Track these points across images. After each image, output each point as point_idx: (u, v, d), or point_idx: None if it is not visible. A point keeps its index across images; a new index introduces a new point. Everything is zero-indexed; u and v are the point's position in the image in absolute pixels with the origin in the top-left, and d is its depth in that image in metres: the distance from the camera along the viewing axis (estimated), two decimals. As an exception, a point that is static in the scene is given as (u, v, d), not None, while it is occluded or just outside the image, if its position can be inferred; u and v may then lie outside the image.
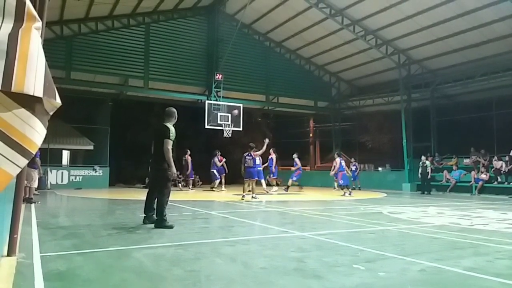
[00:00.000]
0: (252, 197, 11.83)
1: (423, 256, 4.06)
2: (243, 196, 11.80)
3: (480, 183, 15.89)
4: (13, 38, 1.67)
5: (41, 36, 1.98)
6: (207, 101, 18.85)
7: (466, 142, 17.98)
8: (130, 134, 22.31)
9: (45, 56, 2.74)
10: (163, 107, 24.03)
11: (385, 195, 15.09)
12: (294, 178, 16.43)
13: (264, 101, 22.12)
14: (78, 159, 21.32)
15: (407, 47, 18.51)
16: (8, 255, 3.81)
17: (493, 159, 16.28)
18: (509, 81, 16.66)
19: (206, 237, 5.25)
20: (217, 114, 18.54)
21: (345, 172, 14.91)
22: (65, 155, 20.77)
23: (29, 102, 1.71)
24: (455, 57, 17.71)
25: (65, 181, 17.81)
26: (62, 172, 17.98)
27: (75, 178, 18.12)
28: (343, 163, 14.78)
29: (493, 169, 16.05)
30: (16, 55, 1.65)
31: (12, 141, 1.71)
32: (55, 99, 1.83)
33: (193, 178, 17.68)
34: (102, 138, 19.58)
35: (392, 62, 19.27)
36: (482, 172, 16.23)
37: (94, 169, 18.58)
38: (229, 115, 18.86)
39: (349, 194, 14.13)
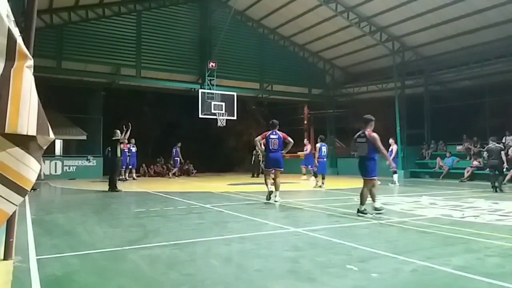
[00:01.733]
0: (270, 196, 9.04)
1: (415, 254, 4.13)
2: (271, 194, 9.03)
3: (471, 169, 16.05)
4: (5, 79, 1.67)
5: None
6: (200, 90, 18.76)
7: (459, 128, 18.13)
8: (123, 123, 22.26)
9: (35, 45, 2.71)
10: (156, 96, 24.08)
11: (379, 183, 15.07)
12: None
13: (258, 89, 22.06)
14: (71, 149, 21.22)
15: (401, 34, 18.46)
16: (5, 258, 3.83)
17: (485, 146, 16.42)
18: (502, 68, 16.76)
19: (201, 234, 5.29)
20: (210, 103, 18.48)
21: (323, 160, 13.13)
22: (58, 145, 20.65)
23: (22, 141, 1.72)
24: (449, 44, 17.71)
25: (59, 172, 17.81)
26: (55, 163, 17.95)
27: (69, 169, 18.11)
28: (324, 149, 13.17)
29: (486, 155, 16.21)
30: (9, 96, 1.65)
31: (7, 181, 1.73)
32: (49, 135, 1.84)
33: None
34: (95, 128, 19.49)
35: (386, 49, 19.24)
36: (474, 159, 16.41)
37: (87, 159, 18.55)
38: (223, 103, 18.81)
39: (322, 185, 12.81)
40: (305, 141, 17.32)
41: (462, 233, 5.25)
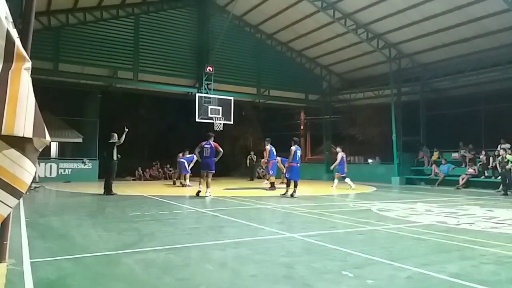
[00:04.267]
0: (206, 192, 11.03)
1: (410, 260, 4.13)
2: (200, 191, 11.04)
3: (466, 177, 16.12)
4: (2, 81, 1.69)
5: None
6: (197, 94, 18.75)
7: (455, 136, 18.23)
8: (120, 127, 22.27)
9: (32, 47, 2.71)
10: (153, 100, 23.97)
11: (375, 189, 15.26)
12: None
13: (255, 94, 22.09)
14: (66, 152, 21.15)
15: (398, 41, 18.57)
16: (-2, 261, 3.80)
17: (481, 154, 16.53)
18: (498, 76, 16.88)
19: (197, 239, 5.26)
20: (207, 107, 18.47)
21: (296, 165, 11.85)
22: (53, 147, 20.57)
23: (18, 142, 1.73)
24: (445, 51, 17.85)
25: (54, 174, 17.73)
26: (50, 165, 17.87)
27: (64, 171, 18.03)
28: (299, 153, 12.05)
29: (480, 163, 16.31)
30: (6, 98, 1.67)
31: (2, 182, 1.74)
32: (45, 138, 1.84)
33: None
34: (91, 131, 19.44)
35: (383, 56, 19.34)
36: (469, 166, 16.49)
37: (83, 162, 18.47)
38: (220, 108, 18.81)
39: (294, 193, 11.61)
40: (337, 149, 16.02)
41: (457, 240, 5.25)
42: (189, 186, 14.96)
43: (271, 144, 14.91)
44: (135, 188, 14.65)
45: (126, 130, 11.81)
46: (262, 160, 16.32)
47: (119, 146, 11.69)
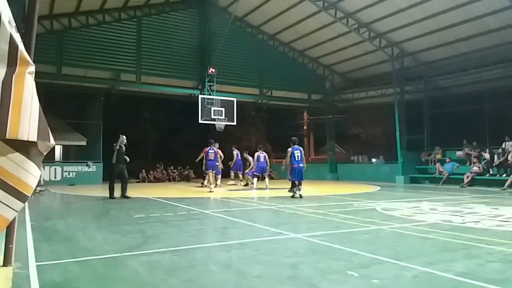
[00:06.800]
0: (210, 188, 13.36)
1: (416, 259, 4.11)
2: (211, 189, 13.30)
3: (471, 175, 16.04)
4: (6, 84, 1.69)
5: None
6: (200, 96, 18.78)
7: (459, 134, 18.14)
8: (123, 129, 22.31)
9: (35, 51, 2.72)
10: (156, 102, 23.90)
11: (379, 188, 15.21)
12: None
13: (257, 95, 22.10)
14: (71, 155, 21.22)
15: (400, 40, 18.52)
16: (4, 265, 3.81)
17: (485, 151, 16.45)
18: (501, 74, 16.82)
19: (201, 241, 5.27)
20: (210, 108, 18.50)
21: (297, 165, 11.42)
22: (58, 150, 20.65)
23: (23, 146, 1.73)
24: (448, 50, 17.79)
25: (58, 177, 17.79)
26: (55, 168, 17.93)
27: (69, 174, 18.10)
28: (297, 153, 11.48)
29: (485, 161, 16.23)
30: (10, 102, 1.67)
31: (8, 186, 1.74)
32: (49, 141, 1.85)
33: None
34: (95, 134, 19.50)
35: (386, 55, 19.29)
36: (474, 164, 16.40)
37: (87, 165, 18.53)
38: (223, 109, 18.84)
39: (299, 191, 11.37)
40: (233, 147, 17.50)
41: (462, 239, 5.22)
42: (220, 186, 15.32)
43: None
44: (139, 190, 14.68)
45: (120, 137, 11.50)
46: (248, 169, 16.38)
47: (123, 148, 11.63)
